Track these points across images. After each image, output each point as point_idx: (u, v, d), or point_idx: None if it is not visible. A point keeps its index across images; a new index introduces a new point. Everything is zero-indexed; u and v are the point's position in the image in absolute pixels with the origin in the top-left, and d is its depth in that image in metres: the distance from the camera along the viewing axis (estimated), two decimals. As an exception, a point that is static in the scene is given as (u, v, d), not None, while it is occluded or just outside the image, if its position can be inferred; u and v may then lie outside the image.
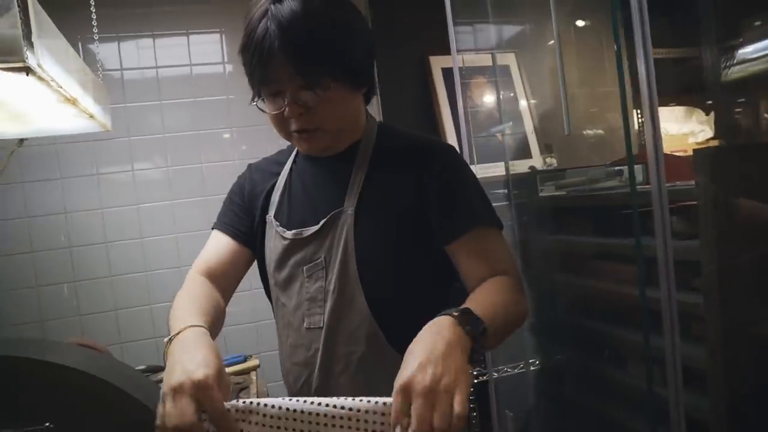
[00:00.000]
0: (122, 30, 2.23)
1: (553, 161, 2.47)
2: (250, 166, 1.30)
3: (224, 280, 1.18)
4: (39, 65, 1.06)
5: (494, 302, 0.91)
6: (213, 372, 0.78)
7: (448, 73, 2.50)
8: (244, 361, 1.85)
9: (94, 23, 1.76)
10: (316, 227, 1.09)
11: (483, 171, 2.28)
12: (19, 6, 1.05)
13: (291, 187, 1.19)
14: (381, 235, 1.05)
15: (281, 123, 1.05)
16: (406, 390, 0.70)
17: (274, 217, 1.17)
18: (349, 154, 1.12)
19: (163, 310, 2.23)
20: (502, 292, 0.96)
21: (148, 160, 2.27)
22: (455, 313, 0.80)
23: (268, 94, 1.03)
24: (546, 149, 2.53)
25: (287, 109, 1.01)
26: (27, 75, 1.07)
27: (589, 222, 1.49)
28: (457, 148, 2.44)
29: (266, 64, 0.98)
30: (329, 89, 1.00)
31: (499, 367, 1.93)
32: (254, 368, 1.79)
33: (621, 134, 2.35)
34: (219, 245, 1.22)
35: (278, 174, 1.22)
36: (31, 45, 1.05)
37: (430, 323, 0.79)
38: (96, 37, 1.77)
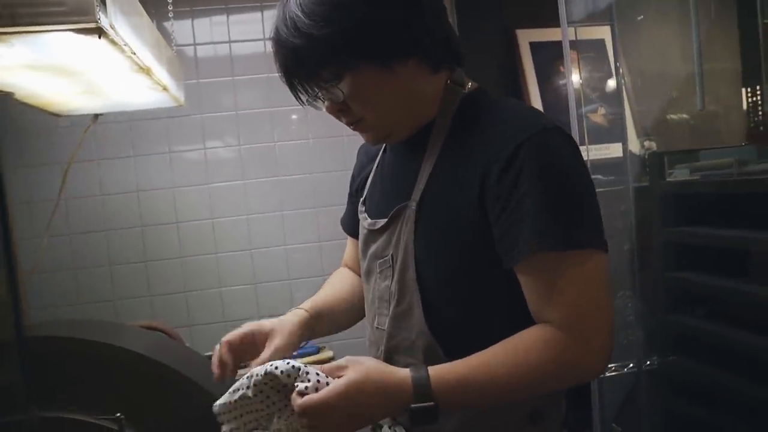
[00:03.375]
0: (196, 4, 2.15)
1: (652, 145, 2.25)
2: (361, 147, 1.19)
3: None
4: (111, 26, 0.97)
5: (492, 373, 0.82)
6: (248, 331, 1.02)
7: (537, 47, 2.31)
8: (317, 352, 1.76)
9: (169, -2, 1.69)
10: (385, 220, 0.98)
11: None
12: (93, -35, 0.97)
13: (378, 170, 1.09)
14: (441, 237, 0.90)
15: (336, 118, 0.97)
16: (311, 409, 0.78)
17: (362, 202, 1.09)
18: (422, 137, 0.95)
19: (232, 294, 2.17)
20: (522, 355, 0.82)
21: (221, 138, 2.20)
22: (414, 395, 0.80)
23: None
24: (643, 132, 2.30)
25: (326, 107, 0.94)
26: (99, 38, 0.98)
27: (735, 212, 1.27)
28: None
29: (283, 75, 0.91)
30: (342, 80, 0.87)
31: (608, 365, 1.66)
32: (327, 360, 1.69)
33: (735, 115, 2.09)
34: (348, 244, 1.22)
35: (375, 155, 1.12)
36: (104, 5, 0.96)
37: (395, 381, 0.81)
38: (171, 12, 1.70)
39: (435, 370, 0.82)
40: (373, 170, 1.09)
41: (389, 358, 0.96)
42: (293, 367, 0.82)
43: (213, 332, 2.14)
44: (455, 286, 0.90)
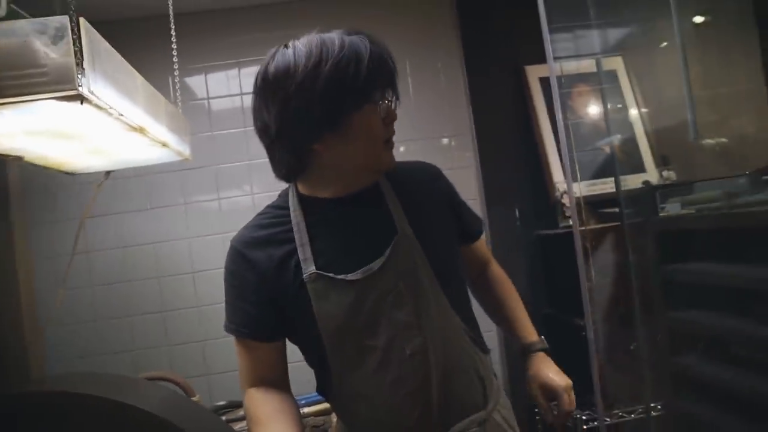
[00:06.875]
0: (208, 60, 2.23)
1: (671, 174, 2.18)
2: (235, 248, 1.14)
3: (279, 378, 1.15)
4: (91, 92, 1.01)
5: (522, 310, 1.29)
6: None
7: (547, 83, 2.29)
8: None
9: (175, 57, 1.75)
10: (382, 258, 1.04)
11: (588, 188, 2.04)
12: (74, 34, 1.01)
13: (325, 232, 1.07)
14: (443, 247, 1.13)
15: (383, 133, 1.05)
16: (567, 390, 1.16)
17: (323, 269, 1.05)
18: (373, 189, 1.12)
19: (249, 341, 2.17)
20: (511, 290, 1.31)
21: (235, 187, 2.24)
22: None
23: (374, 102, 1.02)
24: (662, 161, 2.23)
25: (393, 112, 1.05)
26: (81, 103, 1.02)
27: (731, 247, 1.21)
28: (559, 164, 2.23)
29: (379, 71, 1.01)
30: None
31: (614, 411, 1.59)
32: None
33: (753, 141, 2.01)
34: (253, 355, 1.14)
35: (286, 236, 1.08)
36: (83, 72, 1.00)
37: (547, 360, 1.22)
38: (176, 68, 1.76)
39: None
40: (307, 239, 1.06)
41: (440, 350, 1.05)
42: None
43: (229, 381, 2.15)
44: (456, 272, 1.15)
